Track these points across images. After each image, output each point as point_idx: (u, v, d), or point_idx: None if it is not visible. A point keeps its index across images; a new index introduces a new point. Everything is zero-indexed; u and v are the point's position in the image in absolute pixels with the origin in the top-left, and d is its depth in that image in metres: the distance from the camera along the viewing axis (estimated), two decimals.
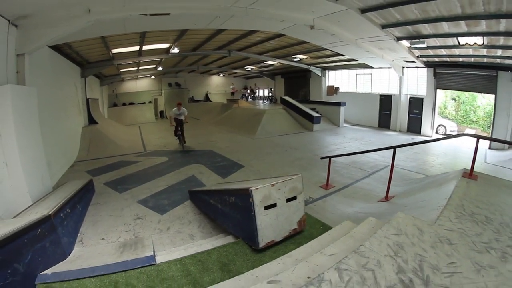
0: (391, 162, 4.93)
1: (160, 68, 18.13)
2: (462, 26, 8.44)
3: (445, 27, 8.72)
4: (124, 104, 20.06)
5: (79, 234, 4.10)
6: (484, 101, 17.22)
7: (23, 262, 2.56)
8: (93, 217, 4.66)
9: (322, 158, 6.76)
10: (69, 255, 3.39)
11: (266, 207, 2.87)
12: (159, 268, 2.69)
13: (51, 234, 3.16)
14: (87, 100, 11.56)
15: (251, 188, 2.83)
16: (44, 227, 3.03)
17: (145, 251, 3.19)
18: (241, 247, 3.03)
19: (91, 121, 11.53)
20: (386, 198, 4.96)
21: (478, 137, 3.82)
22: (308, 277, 1.77)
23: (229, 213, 3.37)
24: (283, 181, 3.00)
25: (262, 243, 2.86)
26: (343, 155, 6.71)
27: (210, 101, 24.03)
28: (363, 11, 7.87)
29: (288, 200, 3.05)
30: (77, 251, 3.58)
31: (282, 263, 2.30)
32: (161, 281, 2.51)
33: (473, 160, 3.72)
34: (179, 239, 4.05)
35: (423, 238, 2.32)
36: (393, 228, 2.43)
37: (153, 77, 21.96)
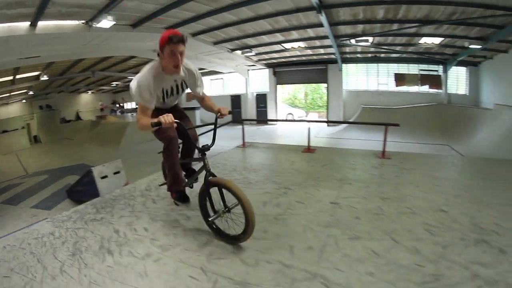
0: None
1: (31, 93, 18.00)
2: (279, 36, 10.55)
3: (265, 38, 10.95)
4: None
5: None
6: None
7: None
8: None
9: (158, 153, 9.03)
10: None
11: (102, 177, 5.38)
12: None
13: None
14: None
15: (92, 168, 5.40)
16: None
17: None
18: None
19: None
20: None
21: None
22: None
23: (87, 189, 5.69)
24: (109, 163, 5.59)
25: None
26: None
27: (81, 119, 23.39)
28: (194, 35, 9.65)
29: (115, 173, 5.61)
30: None
31: None
32: None
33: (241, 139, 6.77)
34: None
35: None
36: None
37: (24, 101, 21.05)
